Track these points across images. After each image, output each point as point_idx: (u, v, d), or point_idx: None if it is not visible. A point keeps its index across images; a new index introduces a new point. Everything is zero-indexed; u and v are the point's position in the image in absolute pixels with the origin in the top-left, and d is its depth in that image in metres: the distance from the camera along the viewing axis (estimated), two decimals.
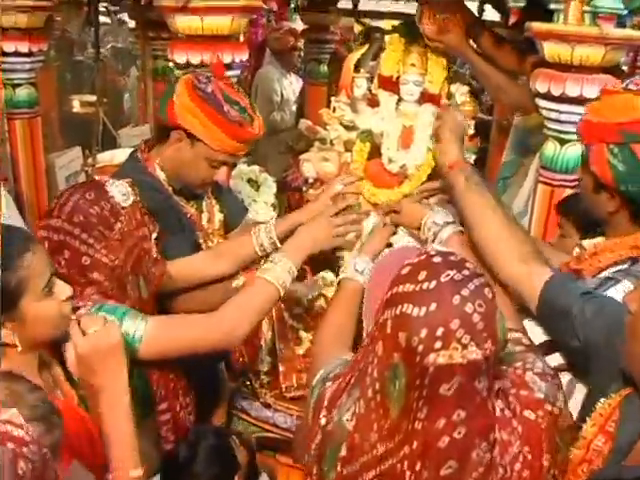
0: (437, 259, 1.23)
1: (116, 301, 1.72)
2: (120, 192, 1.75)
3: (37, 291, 1.45)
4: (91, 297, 1.68)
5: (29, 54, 3.11)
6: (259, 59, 5.33)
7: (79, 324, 1.52)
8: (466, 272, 1.21)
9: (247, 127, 2.10)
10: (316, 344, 1.76)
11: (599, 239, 1.70)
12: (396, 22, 3.25)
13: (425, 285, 1.19)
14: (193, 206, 2.27)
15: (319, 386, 1.41)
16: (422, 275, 1.20)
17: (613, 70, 2.35)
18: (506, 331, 1.24)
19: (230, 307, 1.81)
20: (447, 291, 1.17)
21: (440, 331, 1.15)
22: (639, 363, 1.28)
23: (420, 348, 1.16)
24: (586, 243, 1.72)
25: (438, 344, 1.15)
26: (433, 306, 1.16)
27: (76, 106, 3.99)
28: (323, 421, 1.34)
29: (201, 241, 2.26)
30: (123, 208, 1.75)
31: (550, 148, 2.40)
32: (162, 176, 2.16)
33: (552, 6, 2.29)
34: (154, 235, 1.85)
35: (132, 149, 2.31)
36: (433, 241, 1.80)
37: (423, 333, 1.16)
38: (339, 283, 1.92)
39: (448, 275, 1.19)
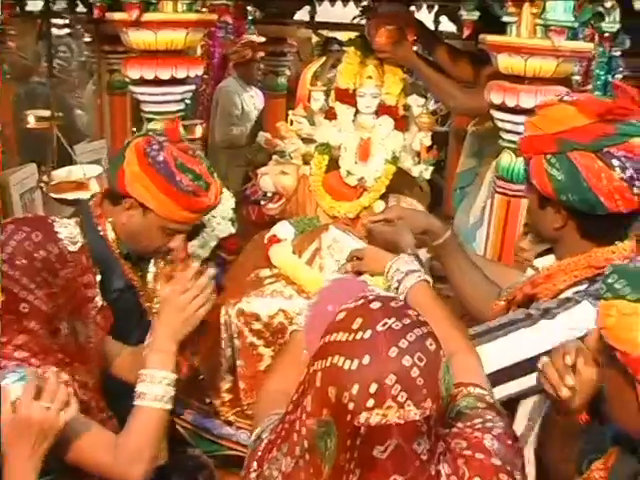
0: (375, 304, 1.12)
1: (44, 349, 1.60)
2: (69, 235, 1.64)
3: None
4: (14, 356, 1.55)
5: None
6: (221, 73, 5.32)
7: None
8: (406, 320, 1.09)
9: (202, 196, 2.02)
10: (259, 398, 1.61)
11: (550, 257, 1.68)
12: (353, 34, 3.28)
13: (359, 335, 1.07)
14: (137, 273, 2.19)
15: (255, 440, 1.29)
16: (357, 323, 1.09)
17: (565, 81, 2.39)
18: (451, 386, 1.13)
19: (127, 453, 1.59)
20: (383, 342, 1.06)
21: (373, 387, 1.04)
22: (628, 418, 1.19)
23: (351, 406, 1.04)
24: (539, 264, 1.69)
25: (371, 402, 1.04)
26: (366, 359, 1.05)
27: (31, 122, 3.91)
28: (253, 475, 1.22)
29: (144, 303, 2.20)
30: (70, 253, 1.63)
31: (506, 159, 2.42)
32: (111, 236, 2.08)
33: (505, 19, 2.31)
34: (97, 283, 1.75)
35: (85, 166, 2.27)
36: (397, 289, 1.69)
37: (355, 389, 1.04)
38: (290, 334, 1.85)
39: (386, 324, 1.08)
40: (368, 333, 1.07)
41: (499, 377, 1.53)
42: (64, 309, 1.64)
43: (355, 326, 1.08)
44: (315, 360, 1.12)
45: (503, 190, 2.46)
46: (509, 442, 1.19)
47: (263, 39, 4.58)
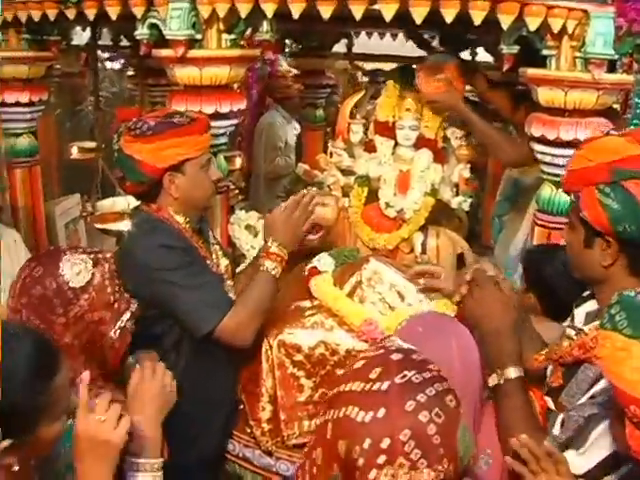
0: (396, 356, 1.07)
1: None
2: (74, 270, 1.59)
3: (56, 414, 1.28)
4: None
5: (29, 104, 3.15)
6: (260, 105, 5.40)
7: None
8: (427, 374, 1.04)
9: (199, 117, 2.15)
10: None
11: (591, 303, 1.62)
12: (392, 64, 3.32)
13: (376, 385, 1.02)
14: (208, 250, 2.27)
15: None
16: (375, 373, 1.04)
17: (606, 112, 2.39)
18: (471, 449, 1.06)
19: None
20: (400, 394, 1.01)
21: (386, 443, 0.98)
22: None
23: (361, 462, 0.99)
24: (580, 323, 1.61)
25: (382, 458, 0.98)
26: (381, 412, 0.99)
27: (74, 153, 4.00)
28: None
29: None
30: (70, 289, 1.58)
31: (546, 191, 2.43)
32: (181, 220, 2.16)
33: (545, 52, 2.33)
34: (126, 315, 1.68)
35: (129, 197, 2.33)
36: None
37: (366, 443, 0.98)
38: None
39: (405, 376, 1.02)
40: (386, 384, 1.02)
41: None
42: (73, 346, 1.60)
43: (373, 376, 1.04)
44: (327, 409, 1.08)
45: (543, 222, 2.46)
46: None
47: (300, 72, 4.65)
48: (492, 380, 1.60)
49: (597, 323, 1.51)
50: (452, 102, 2.66)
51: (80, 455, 1.36)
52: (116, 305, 1.66)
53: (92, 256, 1.65)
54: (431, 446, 0.98)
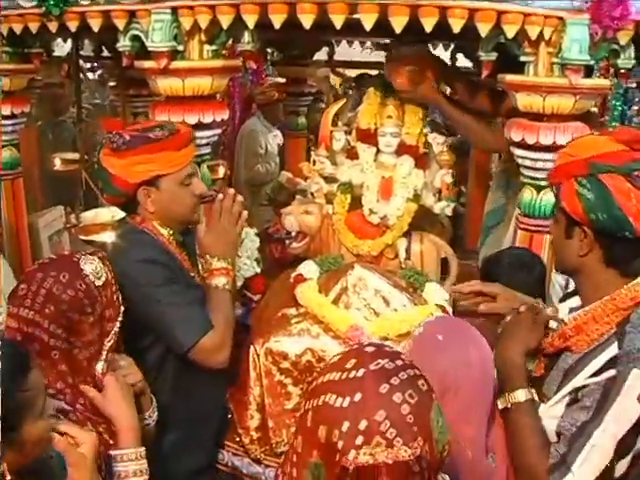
0: (370, 348, 1.14)
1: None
2: (94, 270, 1.68)
3: (36, 411, 1.33)
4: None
5: (11, 116, 3.14)
6: (245, 114, 5.42)
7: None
8: (399, 362, 1.10)
9: (179, 131, 2.12)
10: None
11: (574, 300, 1.68)
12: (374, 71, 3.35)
13: (352, 374, 1.08)
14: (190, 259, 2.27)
15: None
16: (350, 363, 1.10)
17: (584, 117, 2.43)
18: (446, 430, 1.10)
19: None
20: (374, 379, 1.06)
21: (363, 424, 1.03)
22: None
23: (340, 444, 1.03)
24: (566, 317, 1.67)
25: (360, 439, 1.02)
26: (358, 396, 1.05)
27: (57, 164, 3.99)
28: None
29: None
30: (96, 287, 1.67)
31: (527, 194, 2.46)
32: (165, 232, 2.16)
33: (522, 58, 2.36)
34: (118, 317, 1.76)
35: (113, 208, 2.34)
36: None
37: (345, 426, 1.03)
38: None
39: (378, 364, 1.08)
40: (361, 372, 1.08)
41: None
42: (92, 342, 1.69)
43: (348, 365, 1.10)
44: (307, 400, 1.13)
45: (525, 226, 2.49)
46: None
47: (284, 80, 4.67)
48: (501, 403, 1.64)
49: (576, 313, 1.61)
50: (425, 92, 2.70)
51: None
52: (116, 303, 1.75)
53: (98, 255, 1.72)
54: (405, 425, 1.03)
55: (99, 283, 1.68)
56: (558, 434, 1.54)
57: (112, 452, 1.64)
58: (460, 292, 1.94)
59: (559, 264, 1.72)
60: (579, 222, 1.55)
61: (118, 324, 1.75)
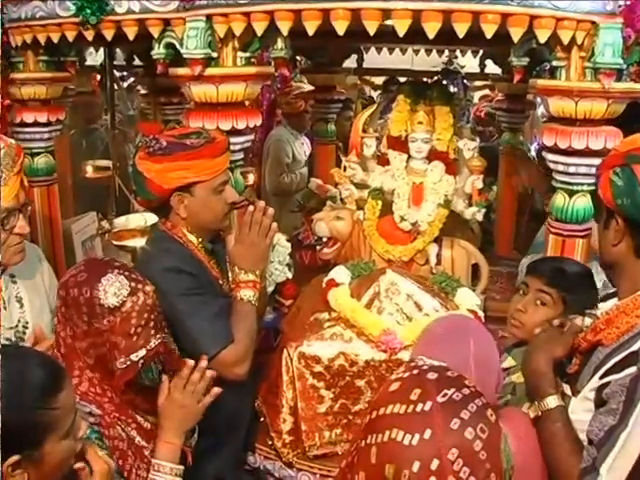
0: (432, 375, 1.08)
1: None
2: (111, 290, 1.64)
3: (62, 431, 1.33)
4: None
5: (47, 124, 3.20)
6: (269, 121, 5.44)
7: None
8: (466, 391, 1.06)
9: (215, 139, 2.14)
10: None
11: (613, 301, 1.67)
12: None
13: (419, 407, 1.03)
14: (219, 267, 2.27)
15: None
16: (415, 394, 1.04)
17: (616, 121, 2.42)
18: (511, 457, 1.08)
19: None
20: (444, 413, 1.02)
21: (435, 464, 0.99)
22: None
23: None
24: (599, 312, 1.69)
25: None
26: (427, 433, 1.00)
27: (89, 172, 4.04)
28: None
29: None
30: (100, 305, 1.63)
31: (559, 199, 2.45)
32: (194, 239, 2.18)
33: (554, 63, 2.36)
34: (140, 352, 1.69)
35: (145, 213, 2.36)
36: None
37: (415, 466, 0.99)
38: None
39: (445, 395, 1.04)
40: (428, 405, 1.03)
41: None
42: (87, 352, 1.68)
43: (413, 397, 1.04)
44: (368, 433, 1.07)
45: (557, 230, 2.48)
46: None
47: (312, 87, 4.69)
48: (532, 411, 1.64)
49: (608, 307, 1.62)
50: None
51: None
52: (134, 338, 1.67)
53: (132, 284, 1.67)
54: (479, 462, 1.00)
55: (105, 303, 1.64)
56: (589, 438, 1.54)
57: (152, 460, 1.69)
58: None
59: (601, 258, 1.73)
60: (613, 211, 1.59)
61: (133, 358, 1.69)
